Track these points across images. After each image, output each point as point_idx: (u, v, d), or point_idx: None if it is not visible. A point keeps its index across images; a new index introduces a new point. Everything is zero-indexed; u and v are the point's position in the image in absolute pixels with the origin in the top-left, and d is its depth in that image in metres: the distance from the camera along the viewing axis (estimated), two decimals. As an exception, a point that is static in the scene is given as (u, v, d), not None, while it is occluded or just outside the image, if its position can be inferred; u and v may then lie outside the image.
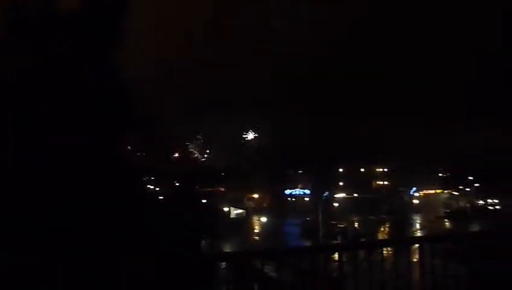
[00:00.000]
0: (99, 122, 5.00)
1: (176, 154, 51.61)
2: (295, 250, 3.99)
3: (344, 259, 3.24)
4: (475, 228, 32.74)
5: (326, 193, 48.45)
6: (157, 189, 31.70)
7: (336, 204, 47.60)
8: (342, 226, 36.87)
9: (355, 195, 50.59)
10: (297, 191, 52.05)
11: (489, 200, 47.74)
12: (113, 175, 5.28)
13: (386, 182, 53.90)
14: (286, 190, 51.72)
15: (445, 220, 43.99)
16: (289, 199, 51.48)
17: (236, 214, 44.76)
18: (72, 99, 4.69)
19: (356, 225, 40.05)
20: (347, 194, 50.93)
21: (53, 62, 4.55)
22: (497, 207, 45.73)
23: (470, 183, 51.71)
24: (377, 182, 54.48)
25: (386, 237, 36.78)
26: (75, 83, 4.76)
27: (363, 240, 33.38)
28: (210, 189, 44.71)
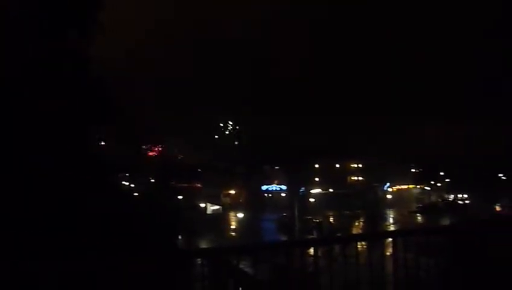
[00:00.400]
0: (73, 114, 4.88)
1: (152, 151, 51.02)
2: (270, 245, 3.97)
3: (319, 254, 3.27)
4: (446, 221, 33.71)
5: (302, 189, 48.91)
6: (132, 185, 31.26)
7: (311, 199, 48.11)
8: (318, 221, 37.27)
9: (331, 190, 51.27)
10: (274, 187, 52.31)
11: (459, 195, 49.24)
12: (87, 171, 5.17)
13: (360, 178, 54.85)
14: (263, 185, 51.91)
15: (418, 214, 45.09)
16: (265, 194, 51.70)
17: (213, 210, 44.61)
18: (44, 91, 4.56)
19: (331, 219, 40.58)
20: (323, 190, 51.57)
21: (23, 54, 4.42)
22: (467, 202, 47.20)
23: (441, 179, 53.18)
24: (352, 178, 55.38)
25: (360, 231, 37.38)
26: (47, 75, 4.61)
27: (338, 234, 33.89)
28: (186, 185, 44.39)
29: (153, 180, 40.92)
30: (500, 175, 47.44)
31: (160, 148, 51.96)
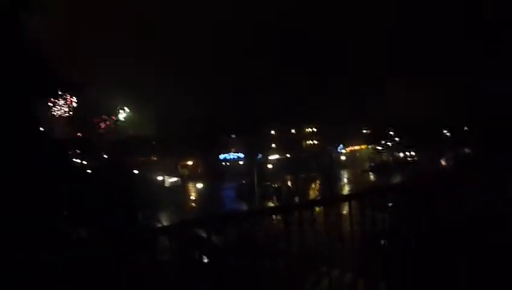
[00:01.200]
0: (15, 87, 4.55)
1: (104, 124, 49.22)
2: (235, 215, 3.99)
3: (280, 218, 3.36)
4: (397, 179, 35.50)
5: (260, 156, 49.38)
6: (85, 163, 30.11)
7: (269, 165, 48.78)
8: (276, 186, 38.00)
9: (288, 155, 52.17)
10: (231, 156, 52.43)
11: (408, 153, 51.72)
12: (36, 147, 4.85)
13: (315, 141, 56.12)
14: (220, 155, 51.85)
15: (370, 173, 47.10)
16: (223, 163, 51.77)
17: (171, 182, 44.14)
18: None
19: (289, 183, 41.51)
20: (280, 155, 52.37)
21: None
22: (415, 159, 49.73)
23: (391, 138, 55.48)
24: (307, 142, 56.54)
25: (317, 193, 38.61)
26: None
27: (296, 198, 34.81)
28: (141, 159, 43.42)
29: (106, 156, 39.67)
30: (444, 131, 50.14)
31: (110, 122, 50.22)
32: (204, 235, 2.96)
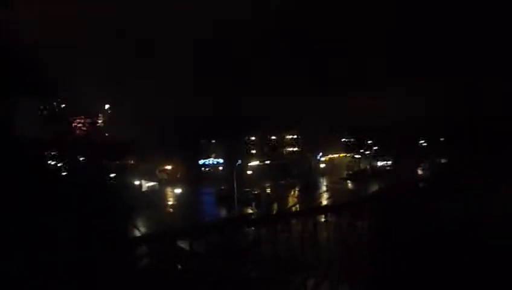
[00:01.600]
0: None
1: (81, 126, 48.24)
2: (209, 227, 3.96)
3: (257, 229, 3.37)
4: (374, 187, 35.95)
5: (239, 161, 49.30)
6: (60, 165, 29.41)
7: (249, 172, 48.72)
8: (256, 192, 37.95)
9: (268, 162, 52.24)
10: (211, 161, 52.15)
11: (384, 162, 52.55)
12: (8, 149, 4.67)
13: (295, 149, 56.43)
14: (200, 160, 51.50)
15: (348, 181, 47.60)
16: (203, 169, 51.42)
17: (148, 186, 43.54)
18: None
19: (268, 190, 41.53)
20: (260, 162, 52.39)
21: None
22: (392, 168, 50.54)
23: (369, 147, 56.25)
24: (287, 149, 56.79)
25: (295, 200, 38.74)
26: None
27: (275, 204, 34.84)
28: (119, 162, 42.74)
29: (82, 159, 38.87)
30: (421, 142, 51.17)
31: (91, 125, 49.26)
32: (183, 245, 2.93)
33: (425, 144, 50.40)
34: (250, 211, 32.15)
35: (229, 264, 3.70)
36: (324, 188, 44.99)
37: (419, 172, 42.90)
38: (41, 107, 42.64)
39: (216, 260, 3.43)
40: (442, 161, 42.88)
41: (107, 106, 50.42)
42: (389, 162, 51.77)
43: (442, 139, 47.33)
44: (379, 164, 52.88)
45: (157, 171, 47.62)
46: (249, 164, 50.82)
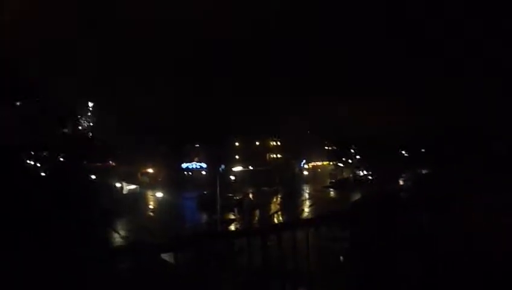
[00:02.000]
0: None
1: (62, 126, 47.40)
2: (190, 241, 3.91)
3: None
4: (356, 195, 36.19)
5: (223, 166, 49.13)
6: (39, 165, 28.76)
7: (232, 177, 48.58)
8: (238, 198, 37.81)
9: (251, 168, 52.23)
10: (194, 165, 51.84)
11: (366, 172, 53.12)
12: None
13: (279, 155, 56.58)
14: (182, 163, 51.14)
15: (331, 189, 47.91)
16: (186, 173, 51.07)
17: (129, 189, 42.98)
18: None
19: (251, 196, 41.45)
20: (243, 167, 52.32)
21: None
22: (373, 177, 51.08)
23: (352, 156, 56.82)
24: (271, 155, 56.91)
25: (278, 206, 38.74)
26: None
27: (257, 211, 34.76)
28: (100, 164, 42.08)
29: (62, 159, 38.15)
30: (403, 152, 51.87)
31: (71, 125, 48.45)
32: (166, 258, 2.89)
33: (406, 155, 51.15)
34: (232, 216, 31.99)
35: (210, 273, 3.66)
36: (307, 196, 45.16)
37: (401, 182, 43.44)
38: (20, 106, 41.77)
39: (196, 269, 3.39)
40: (423, 171, 43.51)
41: (90, 104, 49.72)
42: (371, 172, 52.33)
43: (423, 150, 48.08)
44: (361, 173, 53.41)
45: (139, 174, 47.10)
46: (233, 169, 50.71)
